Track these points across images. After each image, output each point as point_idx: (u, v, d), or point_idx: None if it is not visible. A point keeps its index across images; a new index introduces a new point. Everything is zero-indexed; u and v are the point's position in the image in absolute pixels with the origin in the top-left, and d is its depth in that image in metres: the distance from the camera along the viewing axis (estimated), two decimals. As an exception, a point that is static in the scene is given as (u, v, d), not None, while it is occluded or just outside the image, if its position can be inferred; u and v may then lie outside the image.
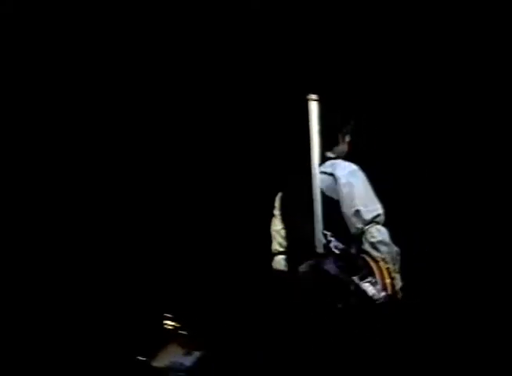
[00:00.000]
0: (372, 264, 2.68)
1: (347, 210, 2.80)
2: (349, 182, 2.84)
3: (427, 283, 4.91)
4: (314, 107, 2.98)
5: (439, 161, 5.23)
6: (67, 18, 5.16)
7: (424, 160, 5.21)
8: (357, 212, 2.79)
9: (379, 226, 2.85)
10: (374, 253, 2.77)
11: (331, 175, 2.91)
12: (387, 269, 2.72)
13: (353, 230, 2.80)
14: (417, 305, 4.79)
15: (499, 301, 4.81)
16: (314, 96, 3.02)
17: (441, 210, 5.14)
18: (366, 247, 2.78)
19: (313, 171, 2.65)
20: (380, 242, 2.82)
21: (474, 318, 4.78)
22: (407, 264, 4.97)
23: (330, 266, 2.63)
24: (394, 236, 4.85)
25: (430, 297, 4.87)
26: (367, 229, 2.78)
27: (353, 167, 2.98)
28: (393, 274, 2.78)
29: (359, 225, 2.79)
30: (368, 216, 2.81)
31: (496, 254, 4.94)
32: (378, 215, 2.84)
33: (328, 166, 2.97)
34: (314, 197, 2.61)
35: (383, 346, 2.79)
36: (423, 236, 5.01)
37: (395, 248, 2.89)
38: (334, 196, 2.85)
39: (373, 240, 2.77)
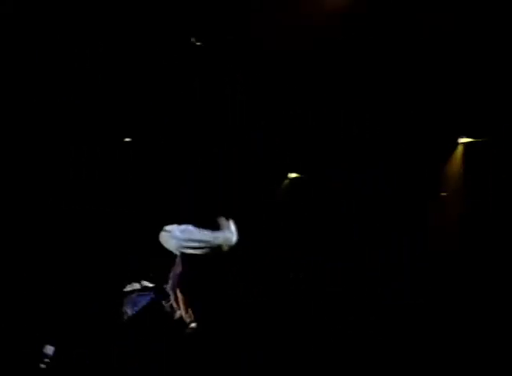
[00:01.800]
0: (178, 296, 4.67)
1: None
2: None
3: (427, 284, 4.93)
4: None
5: (439, 162, 5.26)
6: (67, 18, 5.18)
7: (424, 161, 5.24)
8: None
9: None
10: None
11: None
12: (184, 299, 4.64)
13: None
14: (419, 305, 4.81)
15: (499, 301, 4.83)
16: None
17: (442, 210, 5.16)
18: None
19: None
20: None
21: (474, 318, 4.80)
22: (407, 264, 5.01)
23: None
24: (395, 237, 4.83)
25: (432, 297, 4.89)
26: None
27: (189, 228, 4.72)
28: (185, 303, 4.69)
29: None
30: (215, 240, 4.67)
31: (496, 254, 4.96)
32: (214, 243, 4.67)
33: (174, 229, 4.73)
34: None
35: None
36: (423, 236, 5.04)
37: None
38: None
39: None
